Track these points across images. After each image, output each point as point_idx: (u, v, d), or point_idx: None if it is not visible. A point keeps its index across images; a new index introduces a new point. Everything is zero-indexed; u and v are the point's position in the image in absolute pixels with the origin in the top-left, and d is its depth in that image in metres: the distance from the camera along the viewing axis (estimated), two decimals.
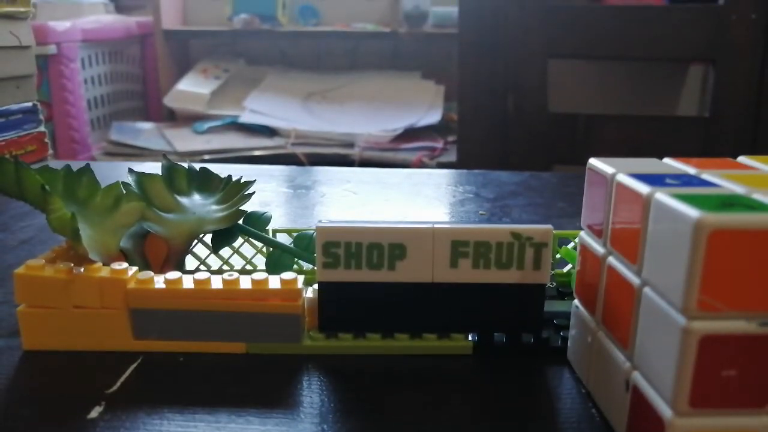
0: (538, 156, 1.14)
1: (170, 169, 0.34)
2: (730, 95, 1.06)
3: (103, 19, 1.54)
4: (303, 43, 1.71)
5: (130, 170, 0.33)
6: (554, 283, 0.35)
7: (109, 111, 1.57)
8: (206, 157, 1.32)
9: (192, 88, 1.55)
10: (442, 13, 1.50)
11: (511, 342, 0.29)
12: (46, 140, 0.69)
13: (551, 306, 0.32)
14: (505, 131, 1.15)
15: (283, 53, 1.73)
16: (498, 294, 0.28)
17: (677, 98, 1.47)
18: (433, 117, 1.41)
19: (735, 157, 0.26)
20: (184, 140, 1.40)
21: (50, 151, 0.70)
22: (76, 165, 0.33)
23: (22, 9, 0.64)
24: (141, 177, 0.33)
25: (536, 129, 1.13)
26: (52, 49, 1.33)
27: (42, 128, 0.69)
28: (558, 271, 0.36)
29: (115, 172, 0.51)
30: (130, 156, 1.36)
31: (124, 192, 0.32)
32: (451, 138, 1.33)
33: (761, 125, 1.04)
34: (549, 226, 0.27)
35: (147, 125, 1.51)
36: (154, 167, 0.35)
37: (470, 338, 0.29)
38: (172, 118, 1.59)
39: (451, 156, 1.25)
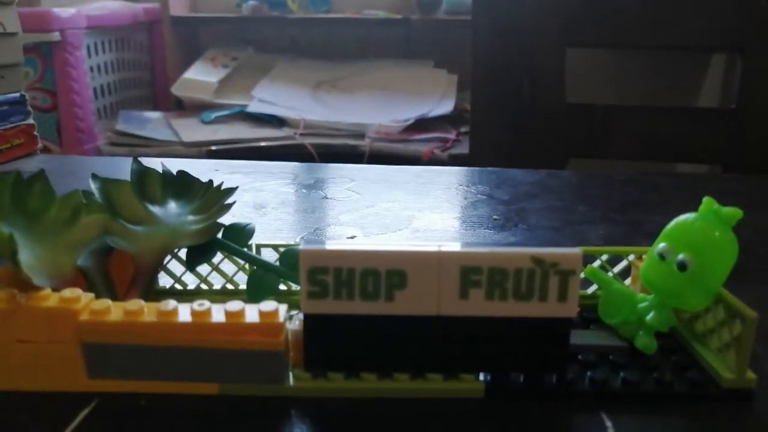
0: (553, 148, 1.09)
1: (141, 174, 0.30)
2: (759, 85, 1.00)
3: (109, 6, 1.50)
4: (313, 30, 1.67)
5: (94, 176, 0.29)
6: (577, 308, 0.30)
7: (116, 100, 1.53)
8: (213, 147, 1.28)
9: (200, 76, 1.51)
10: None
11: (530, 383, 0.25)
12: (35, 133, 0.65)
13: (574, 337, 0.27)
14: (520, 122, 1.10)
15: (292, 40, 1.69)
16: (516, 329, 0.24)
17: (698, 89, 1.42)
18: (446, 107, 1.36)
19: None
20: (190, 130, 1.36)
21: (39, 145, 0.66)
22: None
23: None
24: (106, 184, 0.29)
25: (552, 120, 1.08)
26: (56, 36, 1.29)
27: (30, 120, 0.65)
28: (581, 292, 0.31)
29: (117, 170, 0.47)
30: (135, 146, 1.32)
31: (85, 202, 0.28)
32: (464, 129, 1.29)
33: None
34: (577, 251, 0.23)
35: (154, 114, 1.47)
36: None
37: (482, 379, 0.25)
38: (180, 107, 1.55)
39: (464, 147, 1.20)
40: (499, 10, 1.05)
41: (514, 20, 1.05)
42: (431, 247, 0.23)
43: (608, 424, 0.23)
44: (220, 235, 0.30)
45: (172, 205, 0.30)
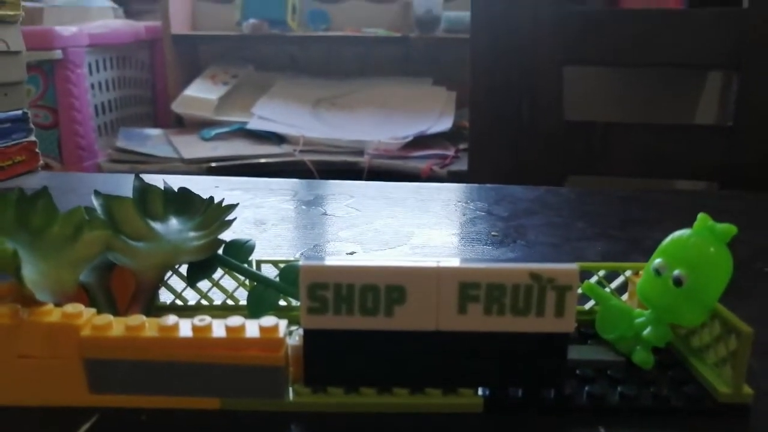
0: (552, 165, 1.09)
1: (143, 191, 0.30)
2: (755, 103, 1.01)
3: (110, 24, 1.51)
4: (313, 48, 1.68)
5: (96, 193, 0.29)
6: (575, 323, 0.31)
7: (117, 117, 1.54)
8: (213, 164, 1.29)
9: (200, 93, 1.53)
10: (455, 17, 1.46)
11: (528, 398, 0.25)
12: (37, 150, 0.66)
13: (572, 352, 0.27)
14: (519, 139, 1.10)
15: (292, 58, 1.70)
16: (513, 344, 0.24)
17: (695, 106, 1.42)
18: (444, 124, 1.37)
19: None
20: (190, 147, 1.37)
21: (41, 162, 0.66)
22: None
23: (10, 12, 0.61)
24: (108, 200, 0.29)
25: (551, 137, 1.09)
26: (58, 54, 1.30)
27: (32, 137, 0.65)
28: (579, 307, 0.31)
29: (117, 187, 0.47)
30: (135, 163, 1.33)
31: (87, 219, 0.28)
32: (462, 146, 1.29)
33: None
34: (574, 266, 0.23)
35: (154, 131, 1.48)
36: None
37: (480, 393, 0.25)
38: (181, 124, 1.56)
39: (463, 164, 1.21)
40: (498, 28, 1.06)
41: (512, 38, 1.06)
42: (430, 262, 0.23)
43: None
44: (220, 252, 0.30)
45: (174, 222, 0.31)
